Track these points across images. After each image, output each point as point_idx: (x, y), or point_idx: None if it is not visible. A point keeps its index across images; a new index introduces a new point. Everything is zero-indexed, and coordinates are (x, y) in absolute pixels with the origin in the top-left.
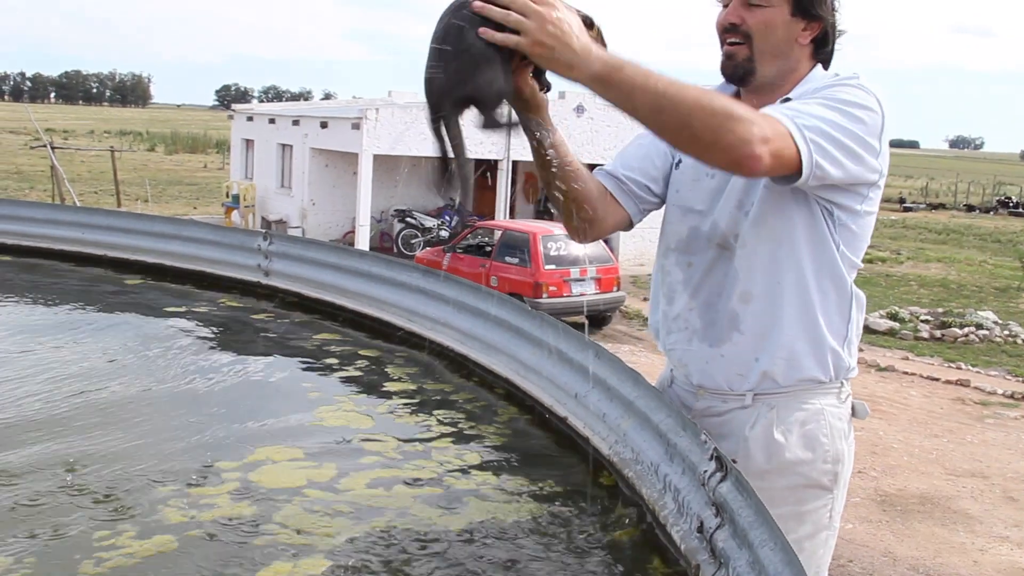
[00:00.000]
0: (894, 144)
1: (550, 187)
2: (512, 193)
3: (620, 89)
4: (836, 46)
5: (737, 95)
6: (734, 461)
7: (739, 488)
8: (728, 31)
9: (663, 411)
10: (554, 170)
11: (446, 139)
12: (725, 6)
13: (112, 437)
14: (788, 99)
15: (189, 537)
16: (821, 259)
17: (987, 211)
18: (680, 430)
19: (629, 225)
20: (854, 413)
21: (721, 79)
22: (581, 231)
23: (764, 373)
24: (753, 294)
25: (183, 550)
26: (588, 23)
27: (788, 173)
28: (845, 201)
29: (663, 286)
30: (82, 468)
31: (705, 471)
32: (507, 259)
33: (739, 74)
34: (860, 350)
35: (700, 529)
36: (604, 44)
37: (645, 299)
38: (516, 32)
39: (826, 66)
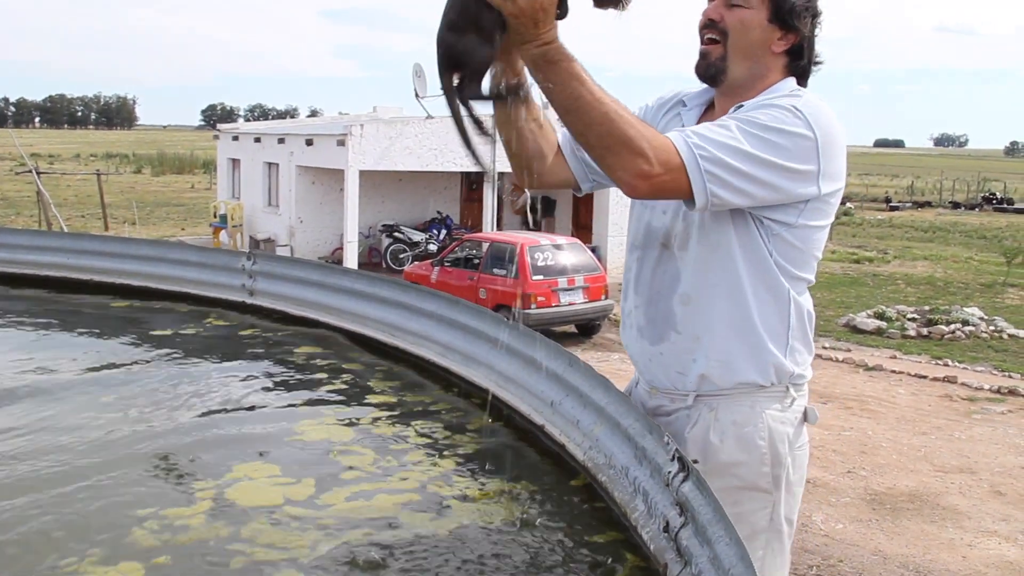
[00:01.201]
0: (880, 144)
1: (508, 141)
2: (499, 205)
3: (548, 78)
4: (814, 68)
5: (711, 105)
6: (695, 461)
7: (699, 487)
8: (707, 27)
9: (631, 415)
10: (516, 129)
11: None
12: (710, 2)
13: (88, 453)
14: (741, 105)
15: (157, 564)
16: (756, 267)
17: (972, 208)
18: (647, 433)
19: (577, 188)
20: (806, 418)
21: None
22: (527, 182)
23: (702, 375)
24: (691, 296)
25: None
26: None
27: (680, 199)
28: (775, 215)
29: (624, 285)
30: (50, 488)
31: (669, 472)
32: (495, 271)
33: (711, 73)
34: (848, 350)
35: (666, 528)
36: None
37: None
38: None
39: (803, 82)
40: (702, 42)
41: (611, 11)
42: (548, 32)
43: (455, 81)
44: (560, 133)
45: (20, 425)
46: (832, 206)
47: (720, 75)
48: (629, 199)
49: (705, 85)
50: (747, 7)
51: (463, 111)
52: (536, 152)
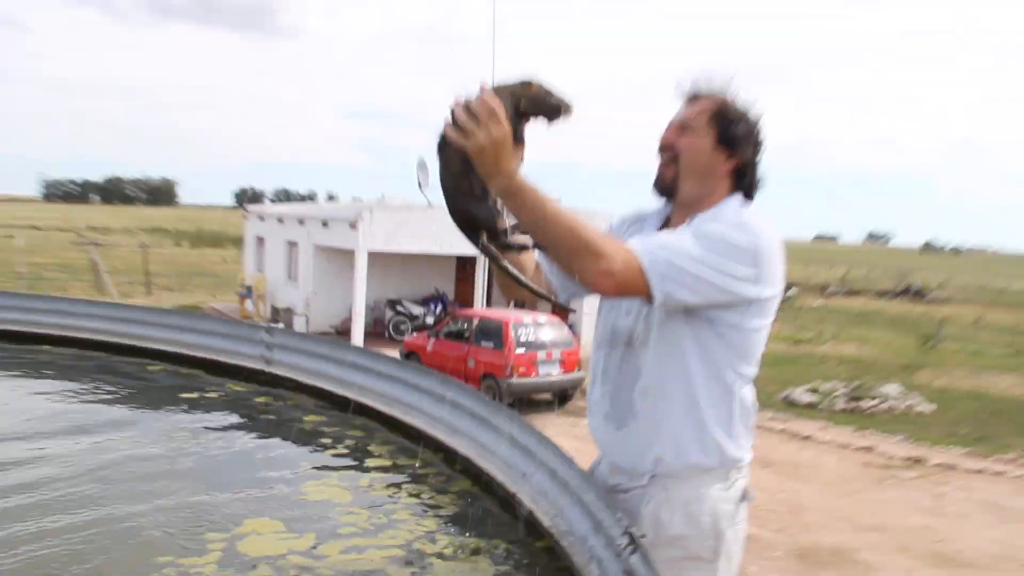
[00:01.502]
0: (819, 239)
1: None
2: (488, 284)
3: (514, 204)
4: (758, 189)
5: (667, 220)
6: (643, 536)
7: (644, 559)
8: (662, 150)
9: (591, 491)
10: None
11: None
12: (668, 128)
13: (107, 503)
14: (694, 217)
15: None
16: (706, 364)
17: (895, 296)
18: (603, 508)
19: (556, 298)
20: (745, 497)
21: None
22: (512, 295)
23: (657, 457)
24: (649, 388)
25: None
26: (527, 84)
27: (640, 296)
28: (723, 316)
29: (591, 375)
30: (72, 534)
31: (620, 544)
32: (483, 343)
33: (664, 188)
34: (785, 422)
35: None
36: (550, 94)
37: None
38: (468, 135)
39: (749, 197)
40: (659, 163)
41: (562, 119)
42: (508, 165)
43: (483, 237)
44: (538, 253)
45: (57, 473)
46: (771, 308)
47: (674, 192)
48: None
49: (661, 203)
50: (697, 133)
51: (502, 259)
52: (521, 272)
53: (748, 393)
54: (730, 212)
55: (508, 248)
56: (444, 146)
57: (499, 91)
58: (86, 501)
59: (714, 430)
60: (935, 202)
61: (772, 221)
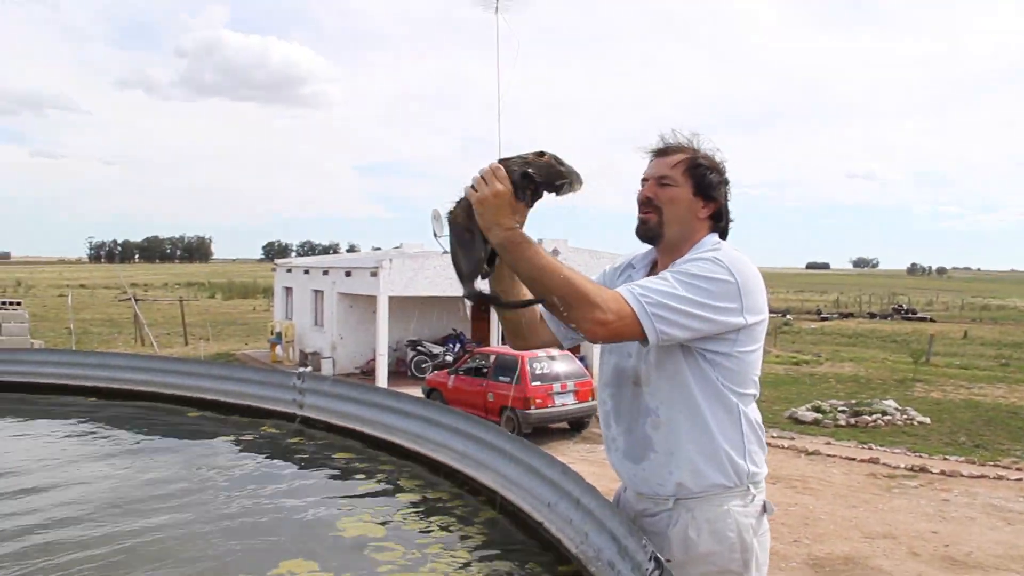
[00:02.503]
0: (811, 267)
1: (502, 318)
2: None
3: (512, 257)
4: (730, 223)
5: (654, 264)
6: (668, 560)
7: None
8: (644, 203)
9: (615, 518)
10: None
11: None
12: (644, 182)
13: (144, 544)
14: (676, 262)
15: None
16: (709, 392)
17: (885, 317)
18: (628, 535)
19: (559, 344)
20: (765, 510)
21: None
22: (518, 344)
23: (678, 483)
24: (660, 422)
25: None
26: (540, 154)
27: (635, 339)
28: (714, 347)
29: (601, 414)
30: (109, 570)
31: (646, 568)
32: (501, 378)
33: (649, 236)
34: (791, 438)
35: None
36: (560, 163)
37: None
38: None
39: (724, 235)
40: (641, 212)
41: (571, 190)
42: (507, 219)
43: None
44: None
45: (87, 513)
46: (760, 333)
47: (657, 239)
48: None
49: (647, 247)
50: (675, 185)
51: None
52: (527, 323)
53: (753, 411)
54: (709, 251)
55: (498, 304)
56: (452, 220)
57: (511, 160)
58: (116, 537)
59: (727, 451)
60: (916, 228)
61: (745, 255)
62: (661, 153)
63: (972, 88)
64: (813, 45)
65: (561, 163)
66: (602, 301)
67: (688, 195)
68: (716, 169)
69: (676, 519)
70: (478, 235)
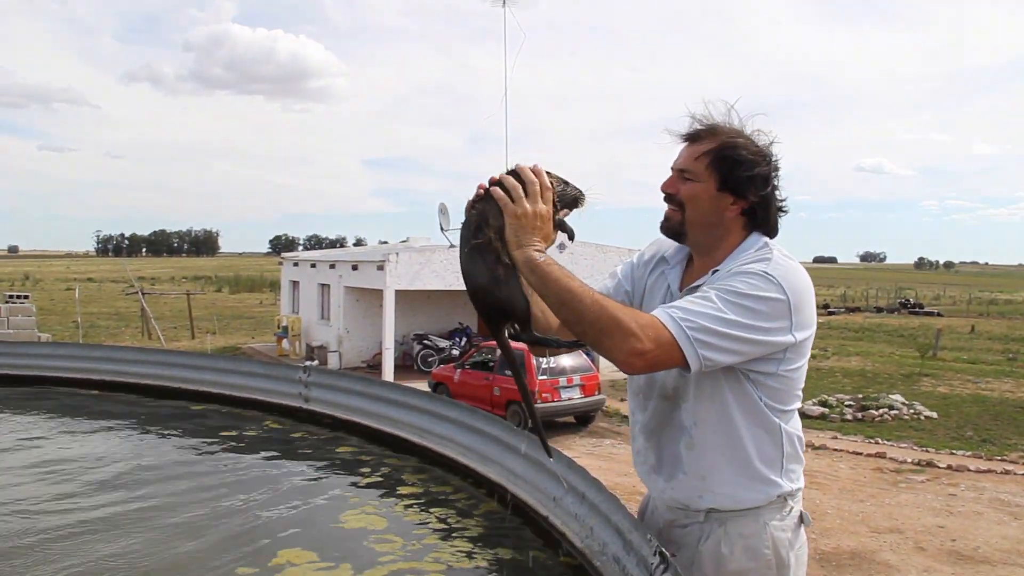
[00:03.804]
0: (818, 261)
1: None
2: None
3: (538, 277)
4: (781, 214)
5: (690, 260)
6: (673, 555)
7: None
8: (667, 199)
9: (619, 513)
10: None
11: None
12: (672, 171)
13: (148, 535)
14: (717, 270)
15: None
16: (749, 412)
17: (892, 311)
18: (633, 529)
19: (583, 347)
20: (802, 521)
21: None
22: (539, 352)
23: (710, 507)
24: (695, 443)
25: None
26: (564, 184)
27: (676, 367)
28: (760, 367)
29: (631, 424)
30: (96, 561)
31: (652, 563)
32: (506, 372)
33: (673, 233)
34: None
35: None
36: (566, 183)
37: (622, 399)
38: (512, 200)
39: (772, 234)
40: (666, 207)
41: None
42: (541, 240)
43: (509, 331)
44: None
45: (90, 502)
46: (807, 347)
47: (682, 236)
48: None
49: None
50: (697, 180)
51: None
52: (546, 328)
53: (795, 425)
54: (754, 262)
55: (536, 342)
56: (479, 229)
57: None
58: (118, 523)
59: (765, 472)
60: (923, 222)
61: (796, 262)
62: (692, 139)
63: (981, 82)
64: (821, 38)
65: (567, 183)
66: (639, 328)
67: (711, 192)
68: (752, 160)
69: (708, 533)
70: (507, 257)
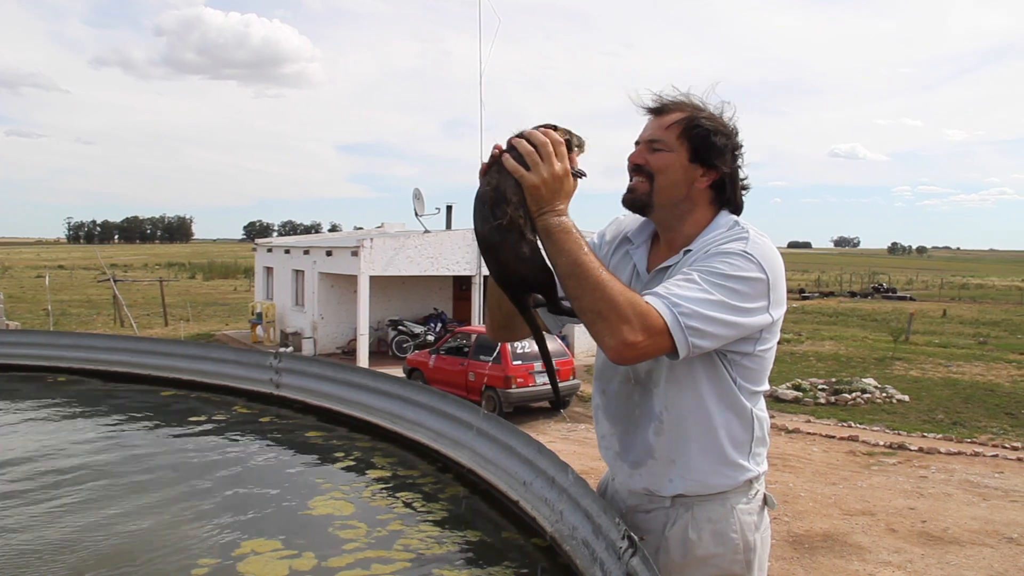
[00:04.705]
0: (792, 245)
1: (491, 310)
2: (484, 302)
3: (554, 244)
4: (743, 193)
5: (656, 234)
6: (641, 539)
7: (644, 561)
8: (634, 171)
9: (588, 497)
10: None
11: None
12: (636, 145)
13: (106, 524)
14: (689, 250)
15: None
16: (722, 396)
17: (865, 296)
18: (601, 513)
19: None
20: (766, 503)
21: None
22: (502, 336)
23: (678, 491)
24: (664, 427)
25: None
26: (552, 127)
27: (661, 355)
28: (738, 347)
29: (593, 408)
30: (69, 553)
31: (620, 547)
32: (481, 357)
33: (638, 205)
34: (772, 416)
35: None
36: (570, 133)
37: None
38: (528, 168)
39: (738, 211)
40: (630, 179)
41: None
42: (564, 201)
43: (532, 301)
44: None
45: (50, 493)
46: (779, 324)
47: (647, 208)
48: None
49: (642, 217)
50: (668, 150)
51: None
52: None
53: (762, 408)
54: (732, 241)
55: (561, 312)
56: (497, 206)
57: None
58: (75, 510)
59: (735, 456)
60: (897, 207)
61: (770, 240)
62: (657, 112)
63: (954, 68)
64: (797, 24)
65: (570, 132)
66: (634, 315)
67: (683, 161)
68: (721, 131)
69: (675, 518)
70: (532, 234)
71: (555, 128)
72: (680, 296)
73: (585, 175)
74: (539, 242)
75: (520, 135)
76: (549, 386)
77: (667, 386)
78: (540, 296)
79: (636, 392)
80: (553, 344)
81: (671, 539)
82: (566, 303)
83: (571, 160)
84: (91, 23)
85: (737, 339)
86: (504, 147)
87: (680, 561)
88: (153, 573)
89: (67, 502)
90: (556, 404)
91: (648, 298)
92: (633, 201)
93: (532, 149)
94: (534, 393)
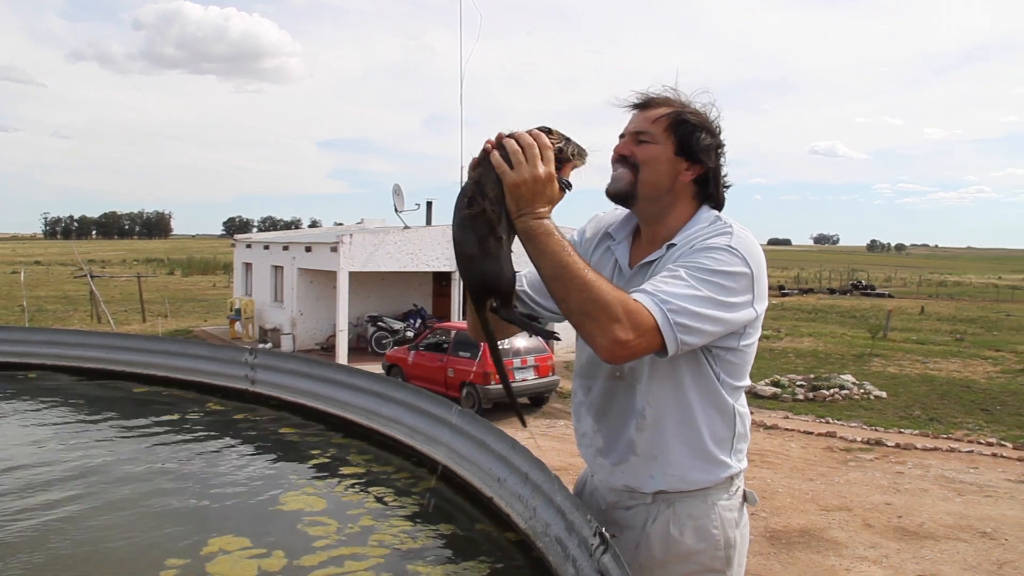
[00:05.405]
0: (772, 243)
1: (478, 315)
2: (464, 299)
3: (536, 247)
4: (724, 190)
5: (638, 230)
6: (613, 536)
7: (615, 558)
8: (619, 162)
9: (561, 494)
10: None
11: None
12: (621, 138)
13: (72, 522)
14: (673, 244)
15: None
16: (704, 391)
17: (844, 293)
18: (574, 510)
19: (557, 339)
20: (746, 499)
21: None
22: (484, 338)
23: (659, 488)
24: (647, 423)
25: None
26: (548, 131)
27: (650, 353)
28: (724, 342)
29: (574, 404)
30: (29, 553)
31: (592, 544)
32: (460, 353)
33: (621, 196)
34: (751, 412)
35: None
36: (568, 140)
37: None
38: (511, 166)
39: (719, 207)
40: (614, 170)
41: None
42: (545, 205)
43: (490, 304)
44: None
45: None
46: (762, 319)
47: (630, 199)
48: None
49: (623, 213)
50: (654, 143)
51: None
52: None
53: (743, 404)
54: (716, 236)
55: (513, 321)
56: (473, 198)
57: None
58: (46, 513)
59: (716, 452)
60: (876, 205)
61: (751, 233)
62: (643, 107)
63: (933, 67)
64: (779, 22)
65: (568, 139)
66: (624, 314)
67: (668, 154)
68: (705, 127)
69: (655, 514)
70: (505, 233)
71: (550, 132)
72: (668, 293)
73: (571, 187)
74: (520, 245)
75: (511, 134)
76: (528, 383)
77: (650, 382)
78: (497, 302)
79: (620, 389)
80: (532, 339)
81: (652, 535)
82: (519, 313)
83: (565, 170)
84: (68, 16)
85: (721, 335)
86: (497, 144)
87: (661, 557)
88: (133, 559)
89: (31, 501)
90: (518, 413)
91: (636, 296)
92: (617, 192)
93: (518, 149)
94: (514, 389)
